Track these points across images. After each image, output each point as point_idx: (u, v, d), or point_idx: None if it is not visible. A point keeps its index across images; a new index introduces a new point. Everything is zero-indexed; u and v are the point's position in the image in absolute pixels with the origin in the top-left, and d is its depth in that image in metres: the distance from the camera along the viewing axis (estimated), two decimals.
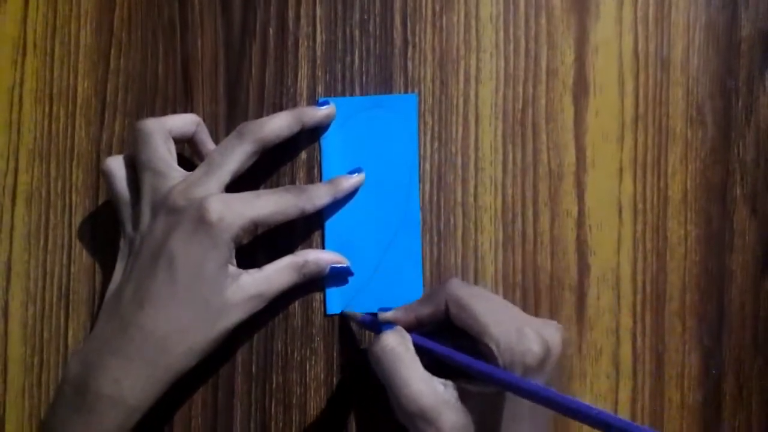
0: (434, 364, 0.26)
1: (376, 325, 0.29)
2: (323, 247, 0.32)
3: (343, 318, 0.32)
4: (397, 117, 0.33)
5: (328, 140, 0.33)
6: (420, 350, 0.27)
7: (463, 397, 0.25)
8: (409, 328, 0.28)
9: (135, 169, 0.30)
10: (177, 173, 0.29)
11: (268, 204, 0.28)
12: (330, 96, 0.33)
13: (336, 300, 0.32)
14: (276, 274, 0.29)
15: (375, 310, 0.32)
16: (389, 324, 0.28)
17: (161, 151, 0.29)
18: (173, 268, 0.27)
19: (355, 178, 0.32)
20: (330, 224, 0.32)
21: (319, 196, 0.30)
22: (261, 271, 0.29)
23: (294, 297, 0.32)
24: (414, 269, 0.32)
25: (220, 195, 0.28)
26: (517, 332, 0.25)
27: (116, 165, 0.30)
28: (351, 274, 0.32)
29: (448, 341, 0.27)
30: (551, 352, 0.25)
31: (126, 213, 0.30)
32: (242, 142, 0.29)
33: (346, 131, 0.33)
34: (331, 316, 0.32)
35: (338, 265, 0.31)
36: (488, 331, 0.25)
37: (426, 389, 0.25)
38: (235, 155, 0.28)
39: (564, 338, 0.26)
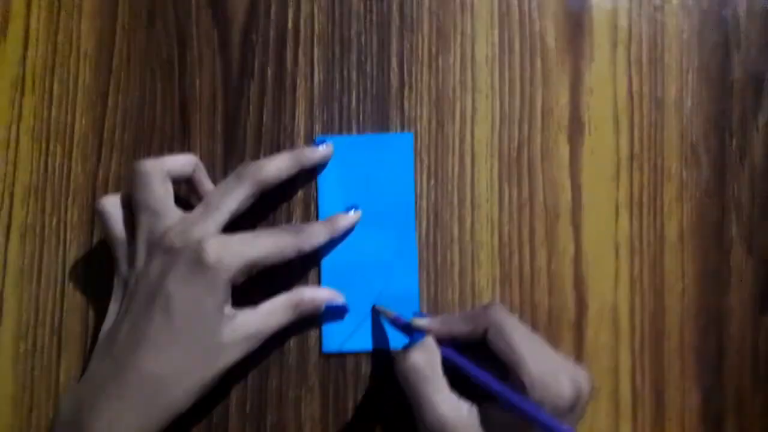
0: (457, 377, 0.27)
1: (408, 329, 0.29)
2: (319, 285, 0.32)
3: (332, 356, 0.32)
4: (393, 156, 0.33)
5: (325, 178, 0.33)
6: (448, 363, 0.27)
7: (486, 422, 0.25)
8: (440, 341, 0.28)
9: (130, 209, 0.30)
10: (174, 214, 0.29)
11: (266, 244, 0.28)
12: (327, 134, 0.33)
13: (332, 337, 0.32)
14: (271, 313, 0.29)
15: (371, 348, 0.32)
16: (421, 332, 0.28)
17: (159, 192, 0.29)
18: (170, 310, 0.27)
19: (352, 216, 0.32)
20: (326, 262, 0.32)
21: (316, 235, 0.30)
22: (256, 310, 0.29)
23: (289, 334, 0.32)
24: (411, 307, 0.32)
25: (218, 236, 0.28)
26: (553, 373, 0.25)
27: (111, 205, 0.30)
28: (347, 311, 0.31)
29: (472, 361, 0.27)
30: (581, 399, 0.26)
31: (121, 252, 0.29)
32: (241, 184, 0.29)
33: (343, 169, 0.33)
34: (327, 354, 0.32)
35: (334, 303, 0.31)
36: (525, 365, 0.25)
37: (451, 413, 0.25)
38: (233, 197, 0.29)
39: (593, 387, 0.27)
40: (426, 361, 0.27)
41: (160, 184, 0.29)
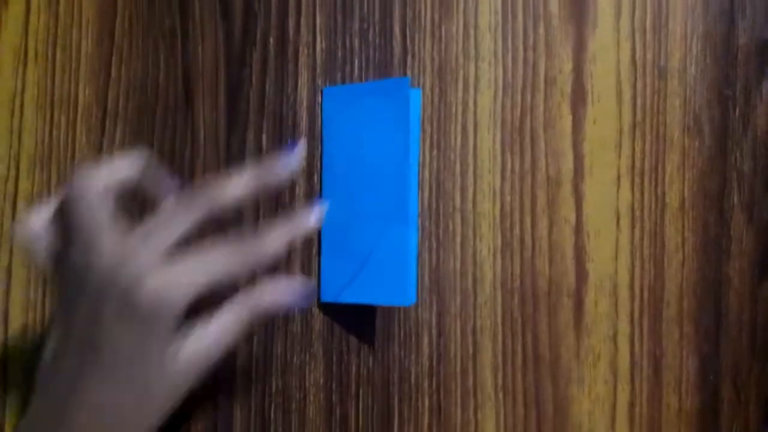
0: None
1: None
2: (320, 235, 0.32)
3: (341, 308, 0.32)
4: (390, 102, 0.31)
5: (328, 129, 0.33)
6: None
7: None
8: None
9: (59, 231, 0.26)
10: (110, 244, 0.24)
11: (216, 267, 0.24)
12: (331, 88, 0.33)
13: (330, 288, 0.32)
14: (224, 331, 0.26)
15: (365, 301, 0.31)
16: None
17: (93, 219, 0.25)
18: (105, 359, 0.24)
19: (316, 213, 0.28)
20: (328, 214, 0.32)
21: (275, 245, 0.26)
22: (207, 330, 0.25)
23: None
24: (403, 262, 0.31)
25: (161, 270, 0.24)
26: None
27: (34, 229, 0.26)
28: (315, 295, 0.31)
29: None
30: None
31: (55, 280, 0.26)
32: (193, 211, 0.25)
33: (344, 120, 0.32)
34: (326, 304, 0.32)
35: (297, 301, 0.27)
36: None
37: None
38: (180, 225, 0.25)
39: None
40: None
41: (96, 205, 0.25)
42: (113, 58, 0.33)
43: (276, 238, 0.26)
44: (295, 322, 0.33)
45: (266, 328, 0.32)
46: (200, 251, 0.25)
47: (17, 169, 0.33)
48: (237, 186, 0.26)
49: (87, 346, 0.24)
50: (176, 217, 0.25)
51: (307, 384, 0.32)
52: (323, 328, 0.33)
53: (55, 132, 0.33)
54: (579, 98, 0.33)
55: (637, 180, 0.33)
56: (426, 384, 0.32)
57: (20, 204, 0.33)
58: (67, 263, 0.25)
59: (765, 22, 0.34)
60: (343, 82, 0.33)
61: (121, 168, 0.26)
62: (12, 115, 0.33)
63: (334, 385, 0.32)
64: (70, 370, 0.24)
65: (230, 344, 0.26)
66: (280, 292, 0.27)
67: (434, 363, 0.32)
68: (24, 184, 0.33)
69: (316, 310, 0.33)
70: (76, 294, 0.25)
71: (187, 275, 0.24)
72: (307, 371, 0.32)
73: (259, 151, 0.33)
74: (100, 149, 0.33)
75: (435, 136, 0.33)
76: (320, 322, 0.33)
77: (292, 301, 0.27)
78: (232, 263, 0.25)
